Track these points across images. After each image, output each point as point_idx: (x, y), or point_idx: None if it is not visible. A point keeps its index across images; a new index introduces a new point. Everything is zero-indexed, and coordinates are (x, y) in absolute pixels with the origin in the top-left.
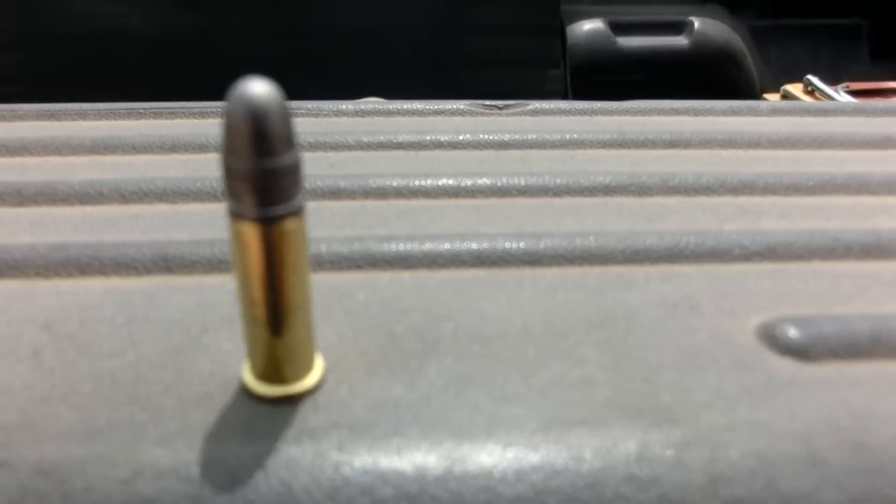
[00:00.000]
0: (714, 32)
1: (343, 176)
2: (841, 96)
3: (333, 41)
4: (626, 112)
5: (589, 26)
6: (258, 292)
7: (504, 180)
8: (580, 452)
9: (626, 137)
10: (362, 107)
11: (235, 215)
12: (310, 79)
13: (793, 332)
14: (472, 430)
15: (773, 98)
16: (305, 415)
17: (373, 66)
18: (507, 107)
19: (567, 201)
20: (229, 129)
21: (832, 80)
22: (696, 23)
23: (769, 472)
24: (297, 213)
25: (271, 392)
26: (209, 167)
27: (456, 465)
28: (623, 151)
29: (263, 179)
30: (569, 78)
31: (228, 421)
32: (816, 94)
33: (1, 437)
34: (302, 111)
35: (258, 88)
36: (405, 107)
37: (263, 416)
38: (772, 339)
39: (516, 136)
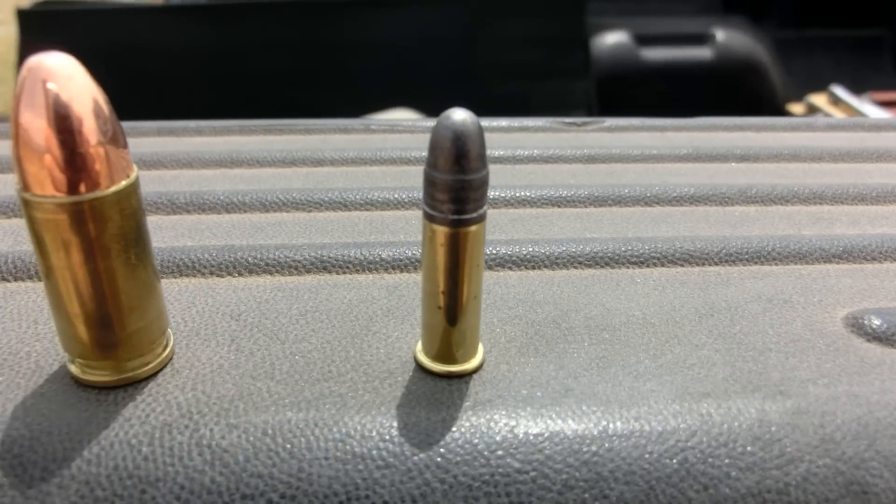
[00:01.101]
0: (737, 44)
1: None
2: (866, 107)
3: (362, 54)
4: (695, 128)
5: (613, 38)
6: (443, 284)
7: (599, 191)
8: (710, 419)
9: (701, 152)
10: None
11: (431, 218)
12: (339, 91)
13: (877, 322)
14: (617, 400)
15: (796, 109)
16: (476, 389)
17: (401, 78)
18: (585, 124)
19: (657, 210)
20: (435, 148)
21: (856, 91)
22: (719, 34)
23: (869, 435)
24: (481, 219)
25: (445, 370)
26: (331, 179)
27: (609, 427)
28: (699, 165)
29: (460, 190)
30: (594, 89)
31: (413, 393)
32: (841, 104)
33: (227, 406)
34: (395, 127)
35: (461, 116)
36: (492, 124)
37: (442, 389)
38: (858, 327)
39: (601, 151)
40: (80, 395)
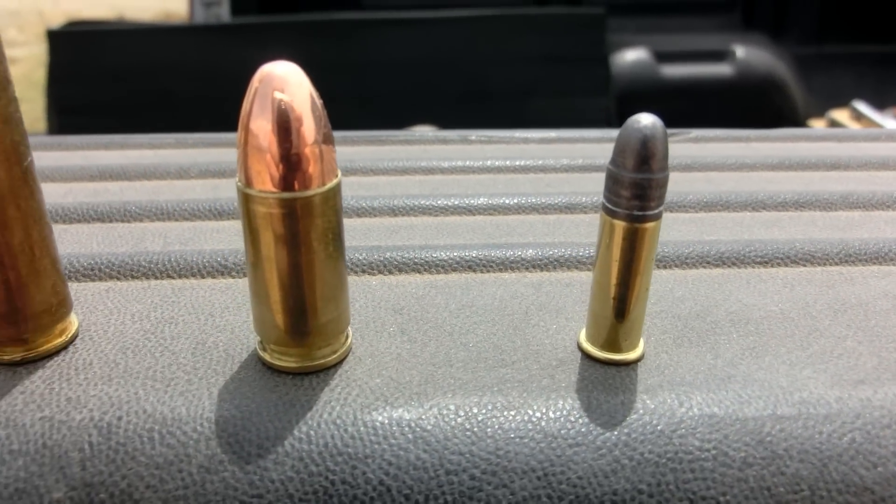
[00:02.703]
0: (757, 60)
1: (573, 193)
2: (888, 122)
3: (384, 72)
4: (778, 139)
5: (633, 55)
6: (617, 277)
7: (707, 197)
8: (870, 403)
9: (792, 161)
10: (546, 135)
11: (613, 214)
12: (360, 108)
13: None
14: (779, 386)
15: (818, 124)
16: (643, 376)
17: (421, 95)
18: (672, 134)
19: (765, 215)
20: (624, 149)
21: (878, 106)
22: (739, 51)
23: None
24: (659, 216)
25: (612, 358)
26: (444, 186)
27: (777, 410)
28: (791, 173)
29: (644, 188)
30: (614, 106)
31: (587, 379)
32: (863, 120)
33: (417, 390)
34: (492, 138)
35: (649, 120)
36: (579, 135)
37: (613, 375)
38: None
39: (696, 160)
40: (277, 380)
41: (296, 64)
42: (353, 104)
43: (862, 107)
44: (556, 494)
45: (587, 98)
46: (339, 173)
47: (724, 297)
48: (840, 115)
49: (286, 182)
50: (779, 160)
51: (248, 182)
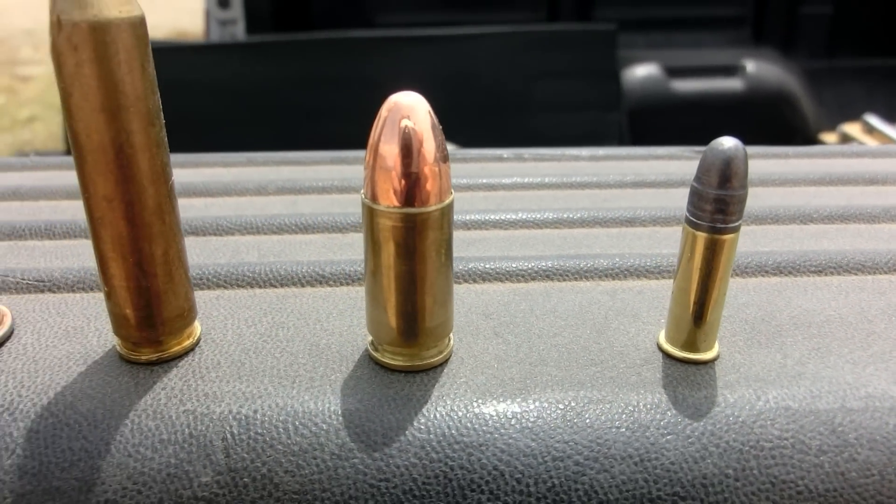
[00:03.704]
0: (768, 75)
1: (630, 208)
2: None
3: (397, 89)
4: (816, 155)
5: (644, 71)
6: (698, 283)
7: (756, 212)
8: None
9: (832, 176)
10: (595, 152)
11: (696, 226)
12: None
13: None
14: (845, 382)
15: (829, 138)
16: (720, 373)
17: (435, 111)
18: None
19: (812, 227)
20: (709, 168)
21: (890, 119)
22: (750, 66)
23: None
24: (737, 229)
25: (691, 357)
26: (508, 202)
27: (846, 403)
28: (832, 188)
29: (725, 204)
30: (625, 121)
31: (671, 376)
32: (875, 133)
33: (519, 386)
34: (543, 156)
35: (731, 143)
36: (625, 152)
37: (693, 372)
38: None
39: None
40: (391, 378)
41: (418, 93)
42: (367, 120)
43: (874, 120)
44: (651, 478)
45: (599, 113)
46: (453, 191)
47: (785, 302)
48: (852, 128)
49: (408, 199)
50: (819, 176)
51: (373, 198)
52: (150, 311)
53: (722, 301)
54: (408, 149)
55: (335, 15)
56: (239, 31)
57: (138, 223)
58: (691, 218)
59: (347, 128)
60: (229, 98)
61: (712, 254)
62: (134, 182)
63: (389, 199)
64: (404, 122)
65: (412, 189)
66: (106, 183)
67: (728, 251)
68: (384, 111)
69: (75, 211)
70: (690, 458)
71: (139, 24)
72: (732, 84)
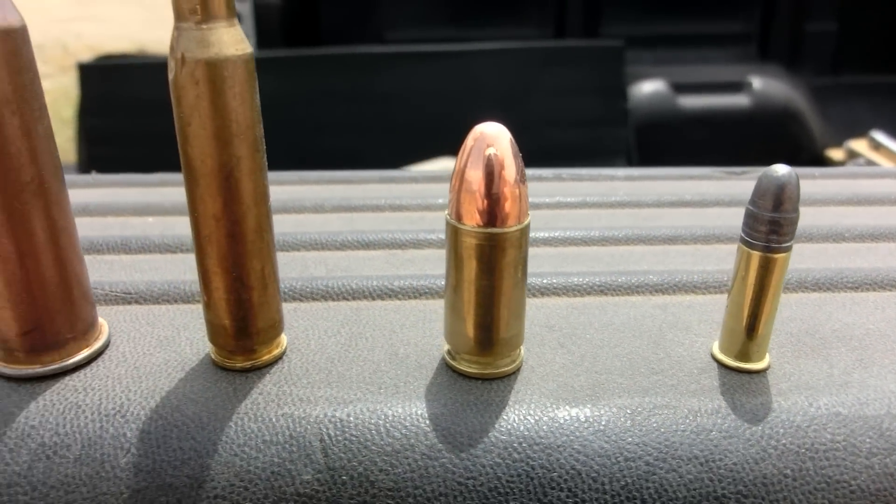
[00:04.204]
0: (774, 91)
1: (670, 227)
2: None
3: (406, 104)
4: (842, 176)
5: (651, 87)
6: (752, 298)
7: None
8: None
9: (860, 196)
10: (630, 172)
11: (750, 245)
12: (384, 140)
13: None
14: (889, 390)
15: (836, 154)
16: (773, 382)
17: (444, 127)
18: (744, 173)
19: (844, 246)
20: (765, 193)
21: (895, 136)
22: (756, 82)
23: None
24: (789, 249)
25: (744, 367)
26: (555, 220)
27: (892, 409)
28: (860, 208)
29: (778, 226)
30: (633, 137)
31: (727, 384)
32: (882, 149)
33: (588, 393)
34: (580, 176)
35: (785, 170)
36: (663, 173)
37: (747, 381)
38: None
39: None
40: (469, 384)
41: (501, 124)
42: (376, 136)
43: (880, 136)
44: (716, 478)
45: (607, 129)
46: (530, 213)
47: (826, 317)
48: (858, 144)
49: (491, 219)
50: (847, 196)
51: (458, 218)
52: (247, 321)
53: (774, 315)
54: (491, 174)
55: (344, 31)
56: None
57: (241, 241)
58: (746, 238)
59: (357, 142)
60: None
61: (766, 271)
62: (240, 203)
63: (473, 220)
64: (489, 150)
65: (495, 211)
66: (215, 203)
67: (780, 269)
68: (470, 140)
69: (144, 227)
70: (751, 459)
71: (250, 60)
72: (739, 100)
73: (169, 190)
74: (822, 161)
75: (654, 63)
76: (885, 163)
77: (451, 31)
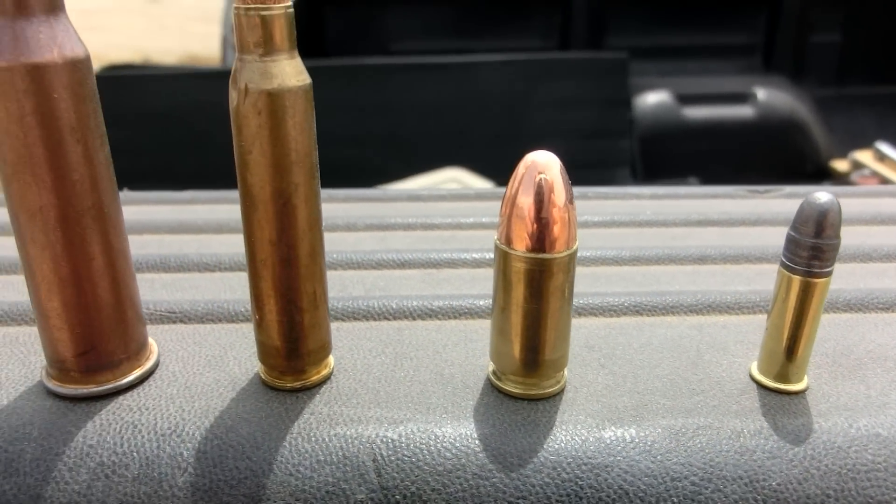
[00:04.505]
0: (778, 102)
1: (700, 246)
2: None
3: (412, 116)
4: (864, 195)
5: (655, 98)
6: (791, 321)
7: None
8: None
9: (883, 216)
10: (655, 191)
11: (792, 270)
12: (391, 151)
13: None
14: None
15: (840, 165)
16: (812, 403)
17: (450, 138)
18: (767, 191)
19: (872, 266)
20: (806, 220)
21: None
22: (760, 93)
23: None
24: (830, 273)
25: (784, 388)
26: (586, 240)
27: None
28: (883, 227)
29: (818, 252)
30: (637, 148)
31: (767, 405)
32: (886, 161)
33: (633, 414)
34: (607, 194)
35: (826, 198)
36: (688, 191)
37: (787, 402)
38: None
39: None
40: (516, 405)
41: (552, 153)
42: (382, 147)
43: (885, 147)
44: (760, 498)
45: (612, 140)
46: (577, 240)
47: (860, 338)
48: (863, 155)
49: (540, 245)
50: (870, 216)
51: (508, 243)
52: (298, 343)
53: (813, 338)
54: (541, 201)
55: (349, 42)
56: None
57: (295, 265)
58: (787, 262)
59: (362, 152)
60: None
61: (806, 295)
62: (296, 228)
63: (523, 245)
64: (539, 178)
65: (544, 236)
66: (272, 229)
67: (820, 293)
68: (521, 168)
69: (180, 245)
70: (795, 479)
71: (309, 90)
72: (743, 111)
73: (201, 208)
74: (826, 172)
75: (658, 74)
76: (889, 174)
77: (457, 43)
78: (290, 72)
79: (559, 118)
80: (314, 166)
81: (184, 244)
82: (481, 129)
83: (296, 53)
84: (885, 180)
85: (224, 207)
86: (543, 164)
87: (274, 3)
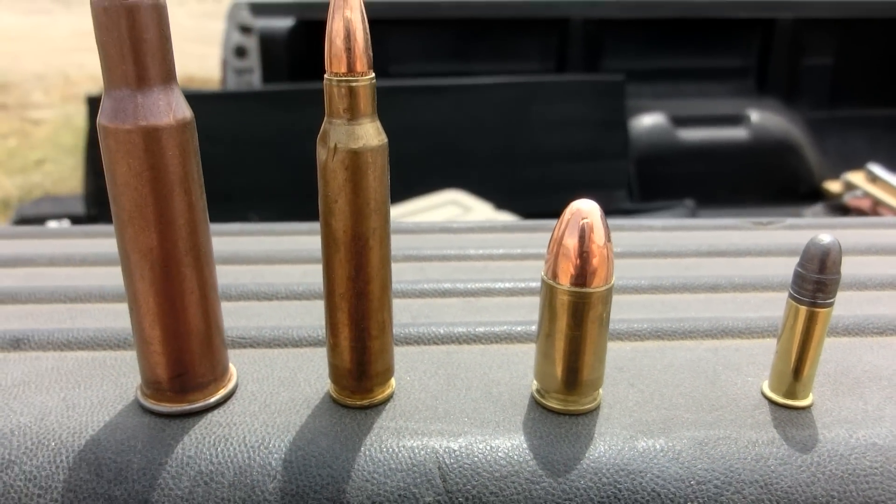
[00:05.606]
0: (772, 124)
1: (712, 276)
2: None
3: (410, 138)
4: (865, 226)
5: (651, 120)
6: (799, 345)
7: None
8: None
9: (880, 247)
10: (667, 223)
11: (797, 300)
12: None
13: None
14: None
15: (833, 187)
16: (817, 417)
17: (448, 161)
18: (770, 223)
19: (867, 294)
20: (812, 257)
21: (893, 169)
22: (754, 115)
23: None
24: (832, 304)
25: (792, 404)
26: None
27: None
28: (882, 258)
29: (821, 286)
30: (633, 169)
31: (778, 419)
32: (878, 182)
33: (661, 426)
34: (629, 226)
35: (828, 239)
36: (696, 223)
37: (795, 416)
38: None
39: (797, 247)
40: (558, 419)
41: (594, 201)
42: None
43: (877, 169)
44: (774, 499)
45: (608, 161)
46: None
47: (857, 359)
48: (855, 177)
49: (582, 280)
50: (867, 246)
51: (554, 278)
52: (367, 366)
53: (817, 360)
54: (584, 242)
55: None
56: (255, 80)
57: (369, 298)
58: (795, 294)
59: None
60: (245, 145)
61: (811, 323)
62: (371, 266)
63: (567, 280)
64: (583, 222)
65: (586, 273)
66: (351, 267)
67: (823, 321)
68: (567, 214)
69: (236, 275)
70: (803, 483)
71: (386, 147)
72: (737, 133)
73: (249, 240)
74: (819, 193)
75: (654, 97)
76: (881, 195)
77: (455, 66)
78: (372, 133)
79: (556, 140)
80: (388, 212)
81: (239, 275)
82: (481, 151)
83: (376, 117)
84: (877, 201)
85: (270, 240)
86: (587, 211)
87: (361, 76)
